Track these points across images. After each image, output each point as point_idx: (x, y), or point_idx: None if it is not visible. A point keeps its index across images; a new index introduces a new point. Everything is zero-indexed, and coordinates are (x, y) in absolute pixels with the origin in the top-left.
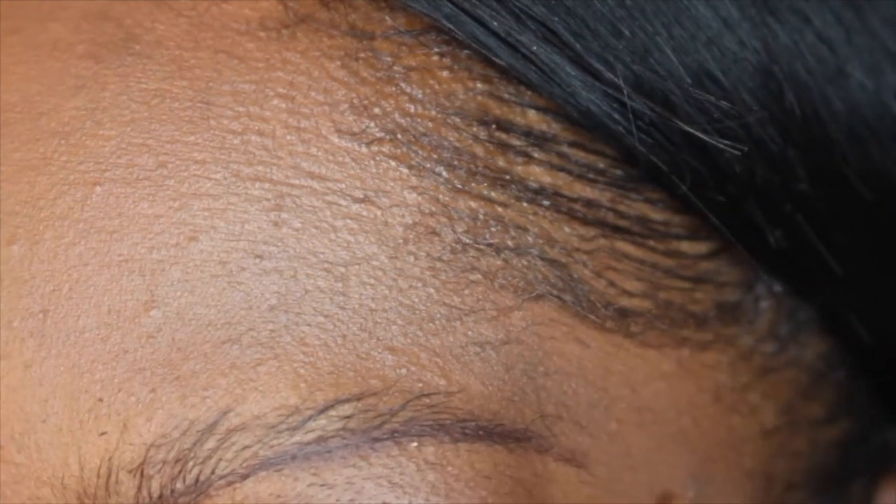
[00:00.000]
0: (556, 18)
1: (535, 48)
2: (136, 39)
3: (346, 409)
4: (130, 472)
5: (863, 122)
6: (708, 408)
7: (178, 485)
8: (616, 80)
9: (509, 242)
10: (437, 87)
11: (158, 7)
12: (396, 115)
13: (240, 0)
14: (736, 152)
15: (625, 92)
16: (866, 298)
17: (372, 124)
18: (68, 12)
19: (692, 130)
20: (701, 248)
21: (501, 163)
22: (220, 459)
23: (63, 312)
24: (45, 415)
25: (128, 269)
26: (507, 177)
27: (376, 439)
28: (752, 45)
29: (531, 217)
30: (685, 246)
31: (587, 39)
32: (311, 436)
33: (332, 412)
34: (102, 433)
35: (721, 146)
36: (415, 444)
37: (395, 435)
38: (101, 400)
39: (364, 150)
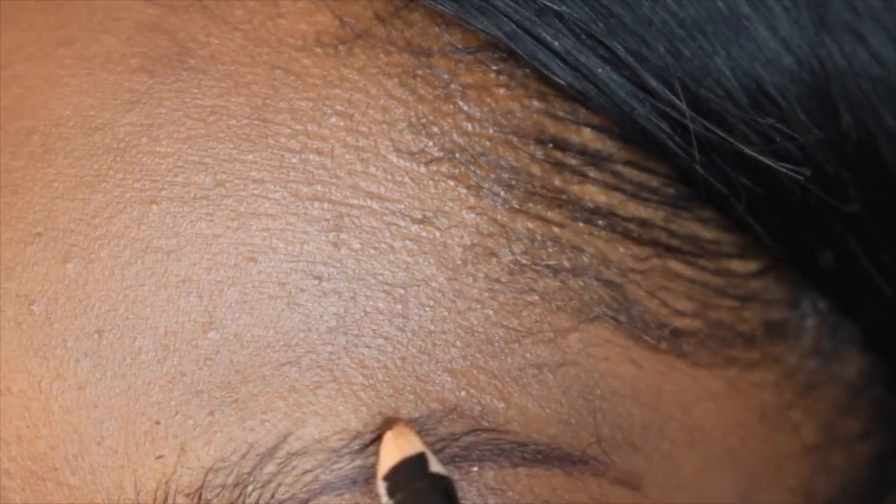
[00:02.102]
0: (615, 37)
1: (594, 67)
2: (191, 53)
3: None
4: (188, 496)
5: None
6: (754, 426)
7: None
8: (674, 99)
9: (566, 263)
10: (494, 105)
11: (212, 20)
12: (454, 134)
13: (295, 14)
14: (798, 178)
15: (685, 113)
16: None
17: (430, 143)
18: (120, 23)
19: (753, 153)
20: (750, 266)
21: (557, 182)
22: (280, 484)
23: (119, 333)
24: (100, 437)
25: (185, 290)
26: (564, 196)
27: None
28: (809, 66)
29: (587, 237)
30: (735, 264)
31: (646, 58)
32: (372, 460)
33: None
34: (159, 456)
35: (782, 170)
36: (476, 468)
37: (456, 460)
38: (157, 423)
39: (423, 169)
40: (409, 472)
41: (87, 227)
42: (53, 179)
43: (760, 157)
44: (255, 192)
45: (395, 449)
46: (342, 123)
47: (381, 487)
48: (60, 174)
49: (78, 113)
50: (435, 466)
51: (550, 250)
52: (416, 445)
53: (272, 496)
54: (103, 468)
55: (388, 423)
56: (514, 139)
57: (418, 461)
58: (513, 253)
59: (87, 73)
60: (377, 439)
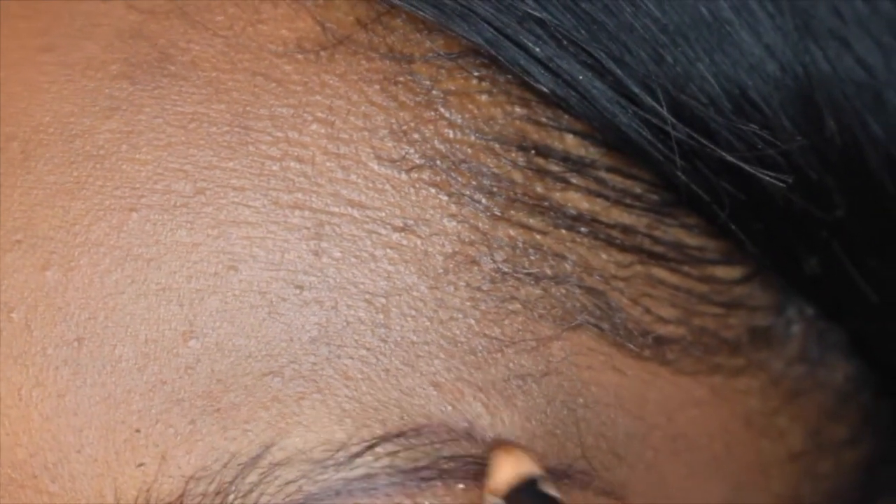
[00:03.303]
0: (598, 44)
1: (575, 73)
2: (171, 60)
3: (393, 446)
4: None
5: None
6: (739, 433)
7: None
8: (657, 106)
9: (548, 271)
10: (476, 111)
11: (193, 26)
12: (436, 141)
13: (276, 20)
14: (780, 184)
15: (667, 120)
16: None
17: (411, 150)
18: (101, 29)
19: (735, 160)
20: (735, 272)
21: (540, 189)
22: (263, 493)
23: (98, 341)
24: (80, 445)
25: (165, 298)
26: (546, 203)
27: (423, 479)
28: (793, 72)
29: (569, 244)
30: (719, 271)
31: (628, 65)
32: (357, 472)
33: (379, 448)
34: (140, 464)
35: (765, 178)
36: (461, 486)
37: (443, 476)
38: (138, 431)
39: (404, 177)
40: (528, 493)
41: (66, 235)
42: (33, 186)
43: (742, 165)
44: (236, 199)
45: (510, 468)
46: (323, 130)
47: None
48: (40, 181)
49: (58, 120)
50: (548, 489)
51: (532, 258)
52: (530, 466)
53: None
54: (83, 476)
55: (498, 442)
56: (496, 146)
57: (532, 483)
58: (494, 261)
59: (67, 80)
60: (364, 451)
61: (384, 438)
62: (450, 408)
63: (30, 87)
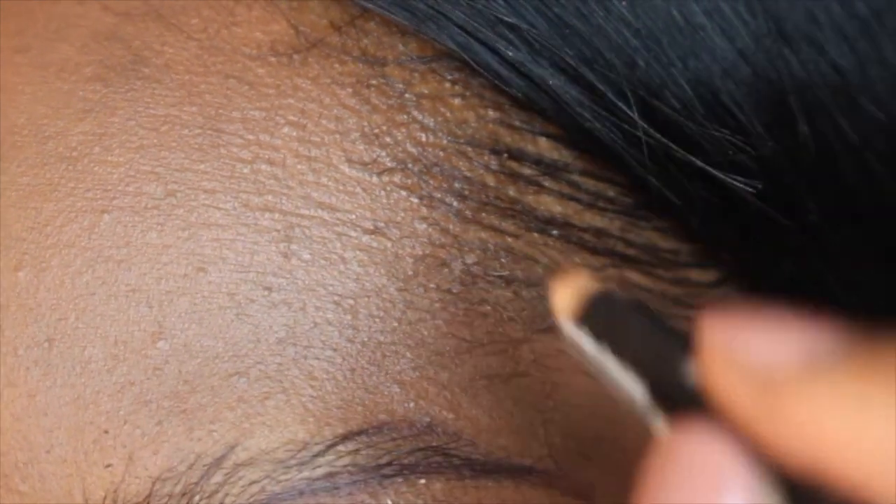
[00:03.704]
0: (570, 48)
1: (548, 77)
2: (145, 62)
3: (355, 444)
4: None
5: (874, 155)
6: None
7: None
8: (629, 111)
9: (519, 274)
10: (448, 115)
11: (168, 29)
12: (408, 145)
13: (250, 23)
14: (751, 190)
15: (638, 126)
16: (872, 328)
17: (383, 153)
18: (77, 31)
19: (706, 167)
20: (708, 276)
21: (512, 192)
22: (227, 494)
23: (69, 342)
24: (50, 445)
25: (135, 300)
26: (518, 206)
27: (385, 476)
28: (766, 76)
29: (541, 247)
30: (693, 274)
31: (601, 70)
32: (319, 471)
33: (341, 447)
34: (108, 465)
35: (736, 184)
36: (423, 480)
37: (405, 472)
38: (106, 432)
39: (375, 179)
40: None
41: (38, 236)
42: (6, 188)
43: (712, 171)
44: (206, 202)
45: (572, 293)
46: (294, 133)
47: (578, 332)
48: (13, 182)
49: (32, 121)
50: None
51: (503, 261)
52: (592, 284)
53: None
54: (52, 476)
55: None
56: (469, 149)
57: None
58: (465, 264)
59: (42, 81)
60: (326, 450)
61: (346, 437)
62: (412, 404)
63: (4, 88)
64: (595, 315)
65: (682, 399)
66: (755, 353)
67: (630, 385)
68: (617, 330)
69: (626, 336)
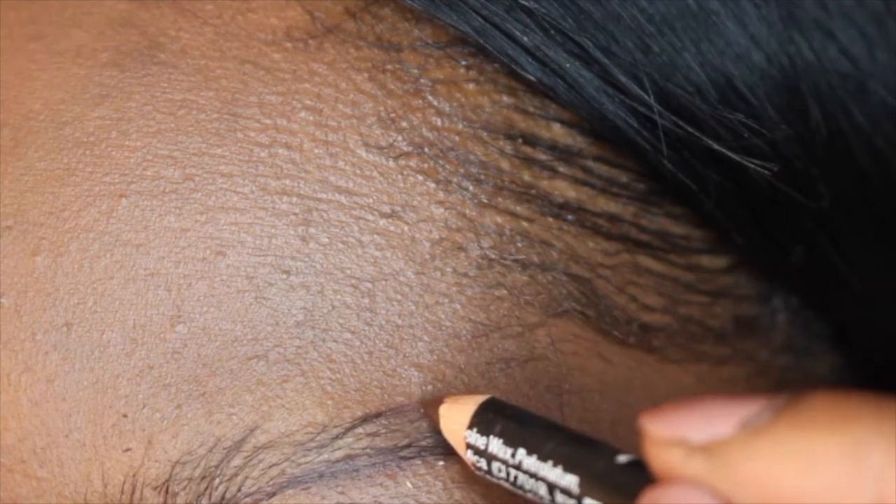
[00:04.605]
0: (585, 33)
1: (563, 62)
2: (161, 48)
3: (373, 426)
4: (155, 488)
5: (885, 139)
6: None
7: (204, 502)
8: (643, 95)
9: (535, 258)
10: (463, 100)
11: (182, 14)
12: (423, 129)
13: (266, 9)
14: (766, 173)
15: (654, 109)
16: (882, 313)
17: (399, 138)
18: (91, 18)
19: (721, 149)
20: (720, 262)
21: (527, 177)
22: (247, 477)
23: (87, 326)
24: (68, 430)
25: (154, 284)
26: (533, 191)
27: (404, 458)
28: (778, 62)
29: (556, 232)
30: (705, 260)
31: (615, 55)
32: (338, 454)
33: (360, 430)
34: (127, 449)
35: (751, 166)
36: (441, 462)
37: (423, 453)
38: (125, 416)
39: (391, 164)
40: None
41: (56, 221)
42: (24, 173)
43: (728, 153)
44: (224, 186)
45: (459, 412)
46: (311, 118)
47: (472, 437)
48: (30, 168)
49: (48, 107)
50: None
51: (519, 245)
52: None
53: (239, 489)
54: (71, 461)
55: (427, 403)
56: (484, 134)
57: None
58: (481, 247)
59: (57, 68)
60: (345, 433)
61: (364, 419)
62: (430, 388)
63: (20, 75)
64: (493, 422)
65: (622, 481)
66: (698, 434)
67: (557, 477)
68: (524, 432)
69: (536, 436)
